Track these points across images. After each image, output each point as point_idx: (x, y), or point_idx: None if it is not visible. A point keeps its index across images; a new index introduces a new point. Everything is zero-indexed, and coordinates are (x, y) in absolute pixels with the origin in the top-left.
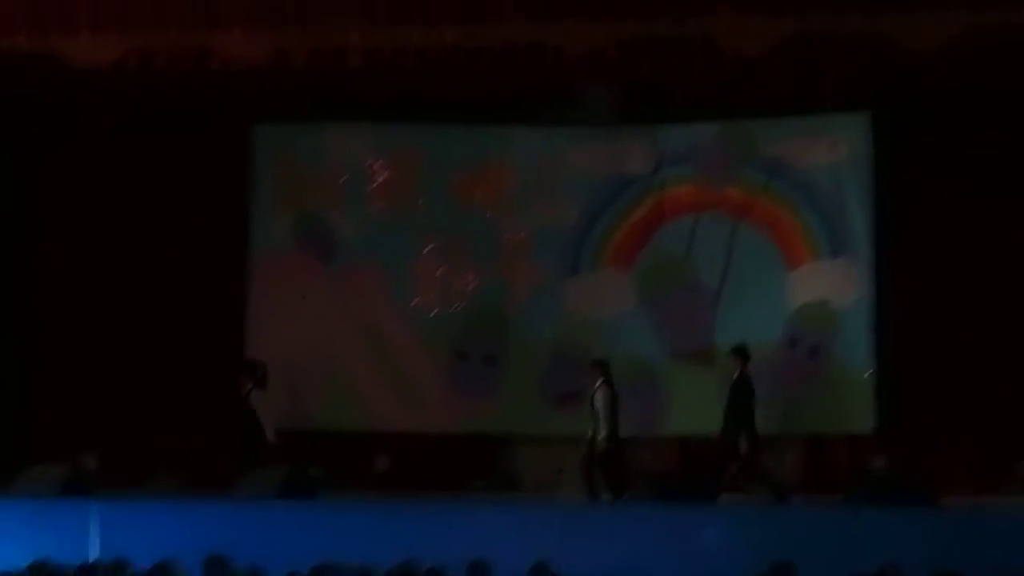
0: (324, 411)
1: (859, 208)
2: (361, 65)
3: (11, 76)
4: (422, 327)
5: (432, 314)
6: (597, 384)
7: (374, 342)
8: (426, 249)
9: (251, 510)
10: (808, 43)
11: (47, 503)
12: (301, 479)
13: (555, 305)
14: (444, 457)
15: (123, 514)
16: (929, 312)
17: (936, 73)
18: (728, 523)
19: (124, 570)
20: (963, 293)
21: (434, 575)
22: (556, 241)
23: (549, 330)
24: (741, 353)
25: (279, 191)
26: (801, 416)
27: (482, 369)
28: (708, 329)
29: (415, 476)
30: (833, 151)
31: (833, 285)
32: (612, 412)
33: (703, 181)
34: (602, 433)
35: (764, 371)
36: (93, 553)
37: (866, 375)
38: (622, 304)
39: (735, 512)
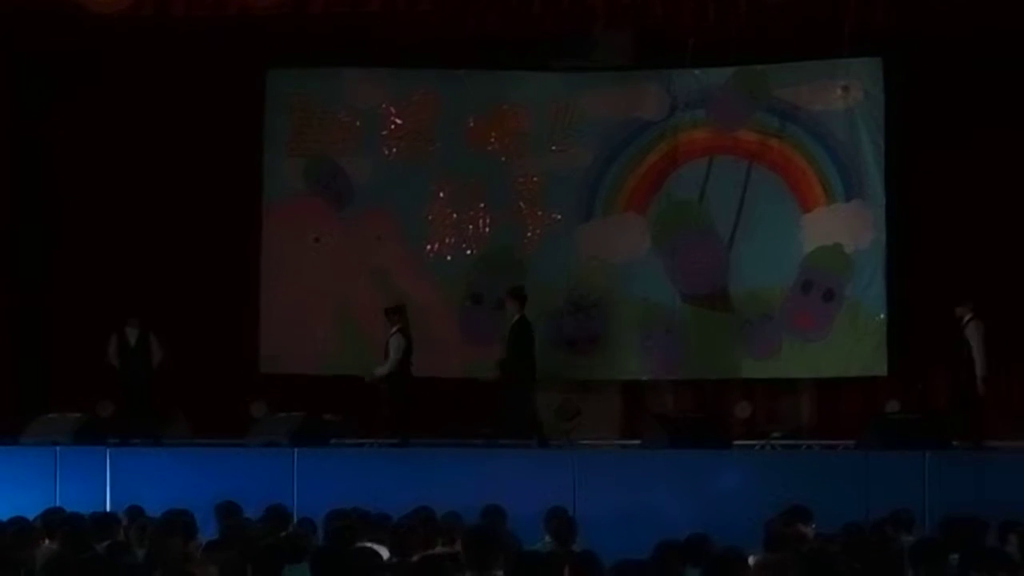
0: (337, 356)
1: (872, 152)
2: (377, 9)
3: (28, 23)
4: (436, 272)
5: (446, 259)
6: (393, 330)
7: (388, 286)
8: (440, 193)
9: (265, 456)
10: None
11: (61, 450)
12: (315, 425)
13: (569, 249)
14: (458, 402)
15: (137, 461)
16: (943, 255)
17: (949, 17)
18: (743, 467)
19: (138, 517)
20: (977, 236)
21: (449, 520)
22: (570, 185)
23: (563, 274)
24: (518, 296)
25: (293, 135)
26: (815, 360)
27: (496, 314)
28: (722, 273)
29: (430, 421)
30: (846, 95)
31: (847, 229)
32: (402, 358)
33: (717, 125)
34: (383, 371)
35: (778, 315)
36: (107, 500)
37: (879, 318)
38: (636, 248)
39: (750, 456)
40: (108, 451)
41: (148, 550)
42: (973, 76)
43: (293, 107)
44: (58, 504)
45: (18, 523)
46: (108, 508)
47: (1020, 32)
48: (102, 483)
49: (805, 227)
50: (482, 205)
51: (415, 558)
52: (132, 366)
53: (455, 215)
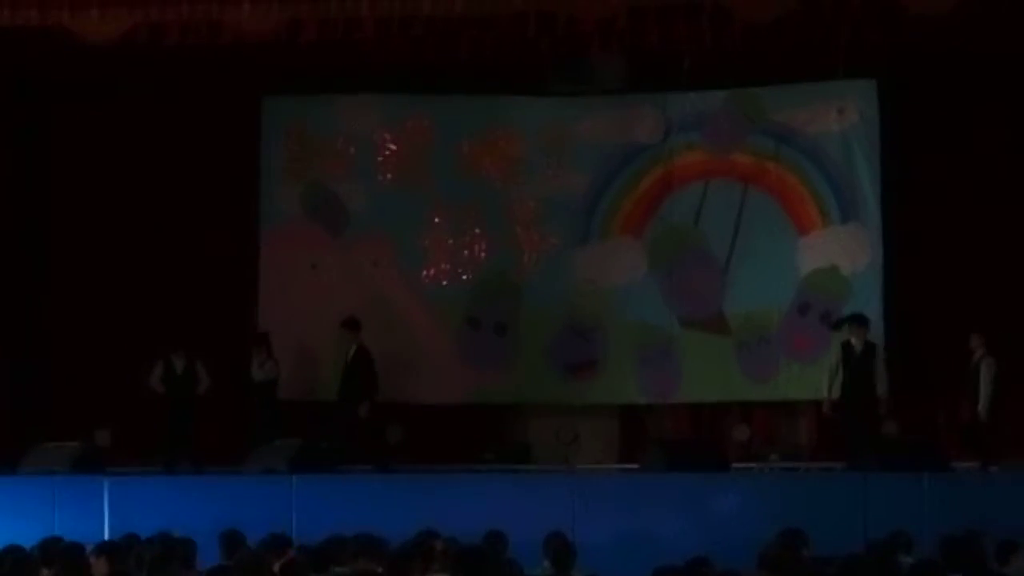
0: (335, 382)
1: (868, 174)
2: (371, 36)
3: (22, 52)
4: (432, 297)
5: (442, 284)
6: (264, 359)
7: (384, 313)
8: (436, 219)
9: (263, 483)
10: (816, 10)
11: (60, 479)
12: (313, 451)
13: (565, 274)
14: (456, 428)
15: (135, 490)
16: (940, 276)
17: (944, 38)
18: (740, 489)
19: (135, 545)
20: (973, 258)
21: (449, 546)
22: (566, 210)
23: (559, 299)
24: (351, 327)
25: (289, 162)
26: (812, 382)
27: (493, 339)
28: (718, 296)
29: (427, 447)
30: (842, 117)
31: (843, 251)
32: (271, 384)
33: (712, 148)
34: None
35: (774, 337)
36: (105, 529)
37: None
38: (632, 272)
39: (748, 478)
40: (106, 480)
41: None
42: (967, 97)
43: (289, 134)
44: (56, 534)
45: (16, 552)
46: (106, 537)
47: (1013, 53)
48: (100, 512)
49: (801, 249)
50: (478, 230)
51: None
52: (177, 393)
53: (451, 240)
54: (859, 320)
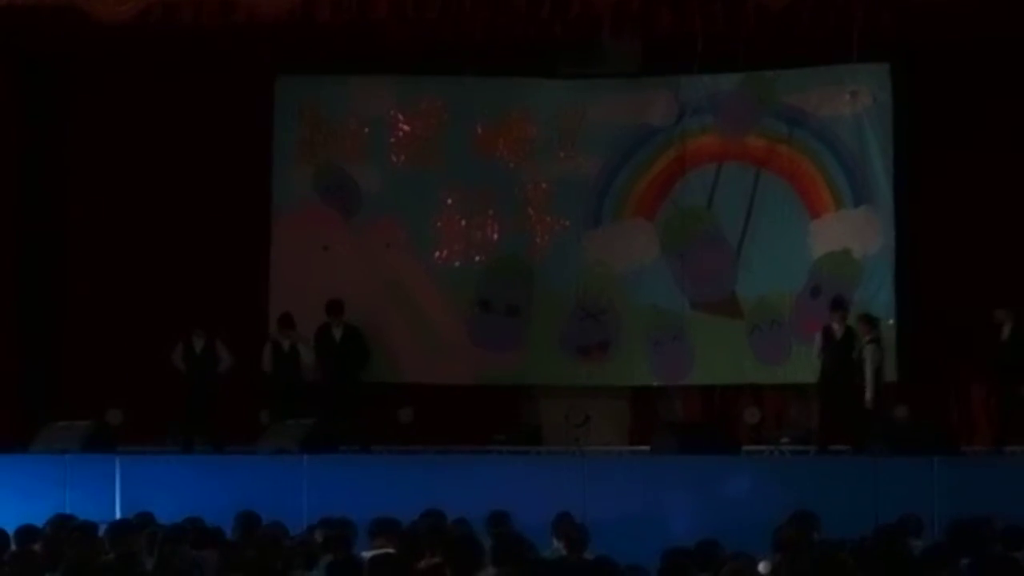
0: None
1: (881, 158)
2: (384, 17)
3: (36, 31)
4: (445, 279)
5: (455, 266)
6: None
7: (397, 294)
8: (449, 201)
9: (274, 464)
10: None
11: (71, 458)
12: (325, 432)
13: (577, 256)
14: (467, 409)
15: (147, 469)
16: (951, 261)
17: (957, 22)
18: (751, 472)
19: (148, 524)
20: (985, 241)
21: (459, 526)
22: (579, 192)
23: (571, 281)
24: (338, 309)
25: (302, 143)
26: None
27: (505, 321)
28: (730, 279)
29: (438, 428)
30: (855, 101)
31: (855, 234)
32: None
33: (725, 131)
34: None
35: (786, 321)
36: (117, 508)
37: (888, 324)
38: (644, 255)
39: (758, 461)
40: (118, 459)
41: (157, 559)
42: (981, 81)
43: (302, 114)
44: (67, 513)
45: (28, 532)
46: (118, 517)
47: None
48: (111, 492)
49: (814, 233)
50: (490, 212)
51: (422, 564)
52: (197, 372)
53: (463, 222)
54: (838, 304)
